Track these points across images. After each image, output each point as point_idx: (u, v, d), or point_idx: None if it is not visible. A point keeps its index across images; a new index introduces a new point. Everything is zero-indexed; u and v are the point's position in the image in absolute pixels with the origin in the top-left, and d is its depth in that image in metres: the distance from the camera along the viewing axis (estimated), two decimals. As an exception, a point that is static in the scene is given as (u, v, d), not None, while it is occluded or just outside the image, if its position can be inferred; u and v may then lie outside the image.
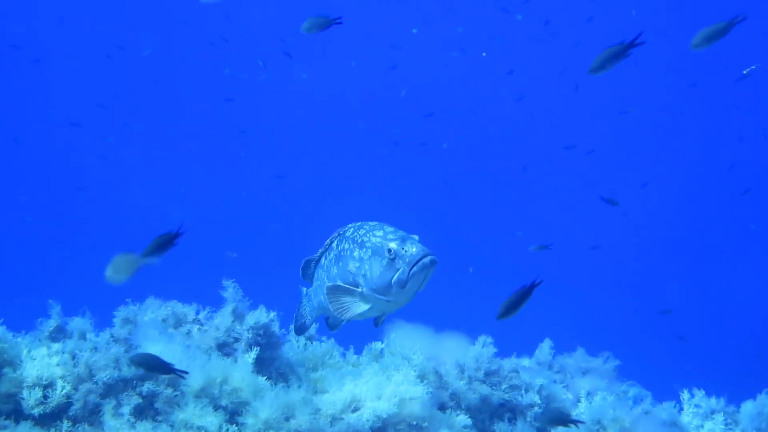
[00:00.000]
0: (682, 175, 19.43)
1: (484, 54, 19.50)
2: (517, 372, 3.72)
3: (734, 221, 18.70)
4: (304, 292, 3.49)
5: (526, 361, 4.92)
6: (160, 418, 3.25)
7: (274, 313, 3.83)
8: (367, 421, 3.20)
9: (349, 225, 3.09)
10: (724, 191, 18.61)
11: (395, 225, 2.94)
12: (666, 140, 19.53)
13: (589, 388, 4.34)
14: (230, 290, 3.84)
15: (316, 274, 3.30)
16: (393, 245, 2.78)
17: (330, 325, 3.47)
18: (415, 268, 2.71)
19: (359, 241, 2.92)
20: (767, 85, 16.88)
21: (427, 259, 2.72)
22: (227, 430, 3.17)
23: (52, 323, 3.81)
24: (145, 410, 3.27)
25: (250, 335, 3.76)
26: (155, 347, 3.43)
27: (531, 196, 19.79)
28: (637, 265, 17.99)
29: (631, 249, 18.31)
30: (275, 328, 3.84)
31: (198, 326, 3.81)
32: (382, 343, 4.09)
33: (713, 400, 4.17)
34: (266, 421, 3.21)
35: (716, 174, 18.87)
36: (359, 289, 2.91)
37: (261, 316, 3.81)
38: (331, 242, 3.15)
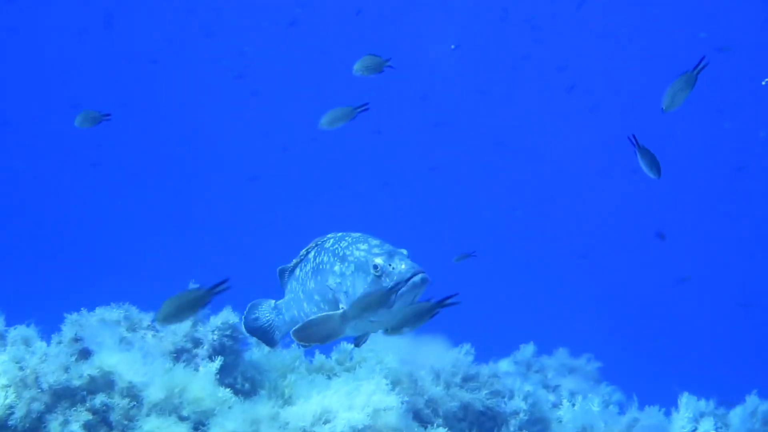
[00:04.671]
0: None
1: (453, 47, 19.27)
2: (498, 377, 3.53)
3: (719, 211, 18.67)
4: (272, 305, 3.23)
5: (504, 364, 4.73)
6: (115, 433, 3.00)
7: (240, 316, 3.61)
8: (341, 433, 2.98)
9: (329, 235, 2.83)
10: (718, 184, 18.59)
11: (379, 235, 2.71)
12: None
13: (572, 389, 4.18)
14: None
15: (289, 286, 3.03)
16: (379, 261, 2.54)
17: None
18: (404, 288, 2.47)
19: (341, 254, 2.67)
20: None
21: (417, 278, 2.47)
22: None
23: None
24: (97, 426, 3.02)
25: (216, 337, 3.52)
26: (111, 355, 3.20)
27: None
28: (618, 266, 17.82)
29: (615, 252, 18.14)
30: (243, 329, 3.61)
31: (153, 332, 3.55)
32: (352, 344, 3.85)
33: (702, 403, 4.00)
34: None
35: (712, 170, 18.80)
36: (340, 308, 2.66)
37: (229, 315, 3.57)
38: (308, 253, 2.89)
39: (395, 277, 2.48)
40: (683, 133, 18.30)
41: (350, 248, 2.64)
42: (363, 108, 3.16)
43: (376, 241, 2.64)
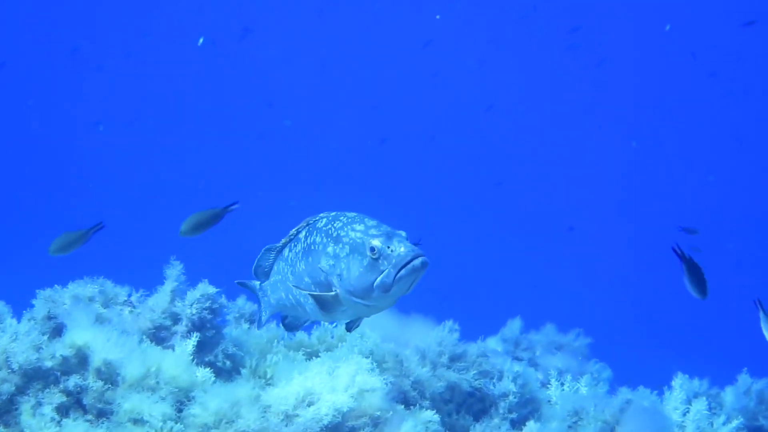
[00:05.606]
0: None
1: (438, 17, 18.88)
2: (486, 356, 3.43)
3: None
4: (258, 286, 3.09)
5: (492, 342, 4.65)
6: (89, 416, 2.88)
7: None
8: (326, 416, 2.88)
9: (321, 214, 2.65)
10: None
11: (375, 216, 2.56)
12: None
13: (560, 367, 4.11)
14: (175, 269, 3.48)
15: (276, 267, 2.86)
16: (377, 243, 2.37)
17: (287, 326, 3.07)
18: (402, 272, 2.33)
19: (334, 234, 2.50)
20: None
21: (417, 262, 2.33)
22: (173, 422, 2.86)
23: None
24: (71, 409, 2.90)
25: (195, 311, 3.41)
26: (85, 331, 3.07)
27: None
28: (608, 245, 17.60)
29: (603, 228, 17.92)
30: (224, 301, 3.51)
31: (129, 308, 3.42)
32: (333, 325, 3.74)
33: (696, 383, 3.96)
34: (216, 412, 2.89)
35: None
36: (333, 292, 2.52)
37: (207, 287, 3.45)
38: (298, 232, 2.72)
39: (394, 260, 2.35)
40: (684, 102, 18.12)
41: (345, 228, 2.49)
42: (97, 228, 3.07)
43: (372, 222, 2.49)
